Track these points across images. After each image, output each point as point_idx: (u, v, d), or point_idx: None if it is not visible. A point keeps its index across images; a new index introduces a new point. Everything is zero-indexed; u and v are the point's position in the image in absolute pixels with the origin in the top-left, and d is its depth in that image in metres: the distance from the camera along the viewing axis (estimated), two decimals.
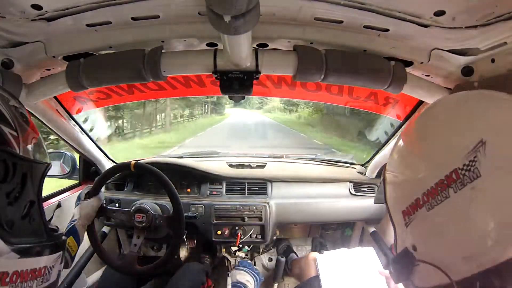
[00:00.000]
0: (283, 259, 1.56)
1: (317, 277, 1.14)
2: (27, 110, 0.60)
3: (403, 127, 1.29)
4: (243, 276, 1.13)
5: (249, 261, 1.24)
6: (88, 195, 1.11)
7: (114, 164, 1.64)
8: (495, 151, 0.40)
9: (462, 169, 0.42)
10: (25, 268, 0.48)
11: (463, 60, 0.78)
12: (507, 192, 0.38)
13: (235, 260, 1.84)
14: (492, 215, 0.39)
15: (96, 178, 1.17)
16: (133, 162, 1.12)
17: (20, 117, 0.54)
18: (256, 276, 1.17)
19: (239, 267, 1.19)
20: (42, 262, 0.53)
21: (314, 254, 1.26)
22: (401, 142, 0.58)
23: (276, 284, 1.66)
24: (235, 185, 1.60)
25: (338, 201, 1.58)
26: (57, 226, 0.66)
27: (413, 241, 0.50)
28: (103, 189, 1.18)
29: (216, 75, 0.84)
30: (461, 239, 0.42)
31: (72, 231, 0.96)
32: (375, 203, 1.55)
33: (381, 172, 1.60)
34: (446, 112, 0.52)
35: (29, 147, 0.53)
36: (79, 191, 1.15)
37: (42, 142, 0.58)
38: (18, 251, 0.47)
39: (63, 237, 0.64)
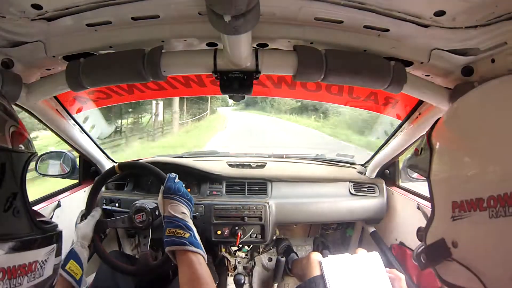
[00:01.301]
0: (283, 259, 1.56)
1: (321, 277, 1.14)
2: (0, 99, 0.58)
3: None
4: (177, 208, 0.89)
5: (177, 183, 0.95)
6: (84, 216, 1.08)
7: (114, 164, 1.64)
8: None
9: None
10: (12, 264, 0.46)
11: (463, 60, 0.78)
12: None
13: (235, 260, 1.84)
14: None
15: (87, 196, 1.15)
16: (117, 164, 1.11)
17: None
18: (190, 204, 0.95)
19: (169, 196, 0.91)
20: (31, 257, 0.50)
21: (317, 255, 1.26)
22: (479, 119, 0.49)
23: (276, 284, 1.66)
24: (235, 185, 1.60)
25: (338, 201, 1.58)
26: (51, 220, 0.64)
27: (456, 238, 0.46)
28: (98, 208, 1.16)
29: (216, 75, 0.84)
30: None
31: (72, 254, 0.92)
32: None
33: (381, 172, 1.62)
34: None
35: (7, 136, 0.50)
36: (79, 191, 1.13)
37: (23, 131, 0.56)
38: (2, 247, 0.45)
39: (57, 229, 0.61)
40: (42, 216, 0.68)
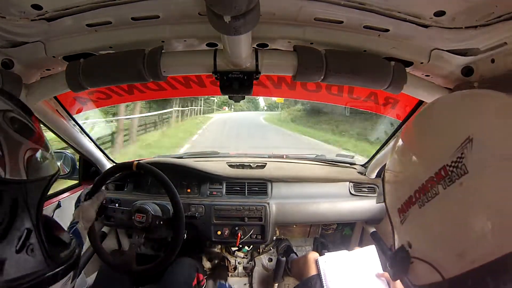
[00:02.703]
0: (283, 259, 1.56)
1: (317, 276, 1.14)
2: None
3: (402, 127, 1.29)
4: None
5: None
6: (89, 196, 1.09)
7: (114, 164, 1.64)
8: (481, 148, 0.40)
9: (450, 166, 0.42)
10: None
11: (463, 60, 0.78)
12: (494, 188, 0.39)
13: (235, 260, 1.84)
14: (481, 211, 0.40)
15: (96, 178, 1.16)
16: (135, 162, 1.11)
17: (11, 125, 0.43)
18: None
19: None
20: None
21: (314, 254, 1.26)
22: (400, 142, 0.58)
23: (276, 284, 1.66)
24: (235, 185, 1.60)
25: (338, 201, 1.58)
26: (70, 236, 0.57)
27: (408, 238, 0.51)
28: (103, 187, 1.18)
29: (216, 75, 0.84)
30: (453, 236, 0.42)
31: (76, 234, 0.93)
32: (377, 202, 1.54)
33: (381, 172, 1.61)
34: (440, 111, 0.53)
35: (21, 164, 0.43)
36: (79, 191, 1.14)
37: (45, 150, 0.49)
38: None
39: (75, 254, 0.55)
40: (61, 229, 0.60)
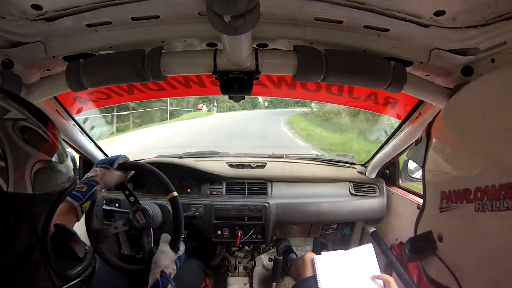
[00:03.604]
0: (280, 258, 1.56)
1: (313, 277, 1.14)
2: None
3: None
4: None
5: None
6: (120, 168, 1.05)
7: None
8: None
9: None
10: None
11: (463, 60, 0.78)
12: None
13: (235, 260, 1.84)
14: None
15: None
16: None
17: (20, 135, 0.40)
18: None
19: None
20: None
21: (311, 255, 1.26)
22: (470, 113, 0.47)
23: (274, 284, 1.66)
24: (235, 185, 1.60)
25: (338, 201, 1.58)
26: (86, 250, 0.54)
27: (442, 231, 0.44)
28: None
29: (216, 75, 0.84)
30: (500, 260, 0.35)
31: (92, 195, 0.93)
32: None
33: (382, 172, 1.61)
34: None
35: (27, 177, 0.40)
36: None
37: (57, 163, 0.45)
38: None
39: (87, 271, 0.52)
40: (78, 242, 0.55)
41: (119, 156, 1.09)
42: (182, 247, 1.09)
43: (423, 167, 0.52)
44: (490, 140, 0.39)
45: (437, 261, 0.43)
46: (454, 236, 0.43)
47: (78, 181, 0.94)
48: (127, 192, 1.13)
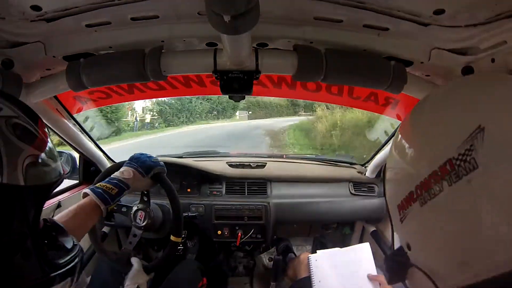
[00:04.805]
0: (280, 258, 1.56)
1: (308, 278, 1.14)
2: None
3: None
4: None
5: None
6: (154, 177, 1.01)
7: (114, 163, 1.64)
8: (496, 139, 0.34)
9: (457, 159, 0.36)
10: None
11: (463, 59, 0.78)
12: (509, 188, 0.32)
13: (236, 260, 1.84)
14: (492, 215, 0.33)
15: (96, 178, 1.14)
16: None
17: (13, 131, 0.43)
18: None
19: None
20: None
21: (307, 254, 1.25)
22: (398, 137, 0.52)
23: (274, 284, 1.66)
24: (235, 185, 1.60)
25: (338, 201, 1.59)
26: (74, 242, 0.56)
27: (408, 239, 0.45)
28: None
29: (216, 75, 0.84)
30: (456, 241, 0.37)
31: (119, 200, 0.90)
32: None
33: (382, 172, 1.61)
34: (446, 97, 0.46)
35: (19, 170, 0.43)
36: (80, 191, 1.10)
37: (47, 158, 0.48)
38: None
39: (76, 260, 0.54)
40: (66, 235, 0.59)
41: (157, 163, 1.03)
42: (136, 264, 1.04)
43: (385, 199, 0.54)
44: (432, 143, 0.43)
45: (414, 270, 0.44)
46: (416, 238, 0.45)
47: (109, 179, 0.93)
48: (145, 192, 1.12)
